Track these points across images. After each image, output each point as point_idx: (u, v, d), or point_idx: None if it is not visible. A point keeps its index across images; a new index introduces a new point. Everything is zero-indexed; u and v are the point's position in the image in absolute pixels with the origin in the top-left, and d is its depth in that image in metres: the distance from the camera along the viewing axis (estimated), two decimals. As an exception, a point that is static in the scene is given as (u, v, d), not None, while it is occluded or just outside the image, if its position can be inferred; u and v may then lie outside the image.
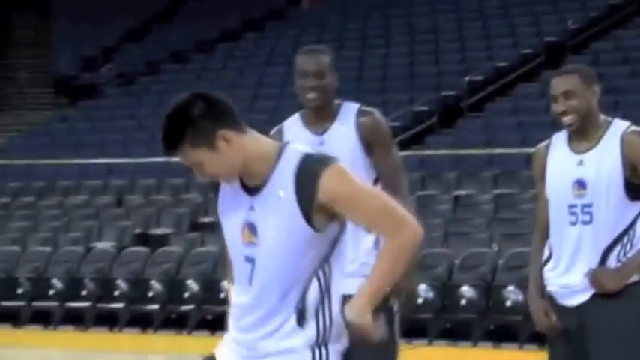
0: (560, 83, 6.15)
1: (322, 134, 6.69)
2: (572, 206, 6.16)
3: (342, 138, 6.64)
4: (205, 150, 4.51)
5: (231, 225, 4.73)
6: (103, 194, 22.48)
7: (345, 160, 5.84)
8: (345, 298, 5.07)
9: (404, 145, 19.13)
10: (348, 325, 4.57)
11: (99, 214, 21.78)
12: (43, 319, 18.69)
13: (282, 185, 4.53)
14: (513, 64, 24.24)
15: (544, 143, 6.38)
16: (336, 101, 6.75)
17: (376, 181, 6.65)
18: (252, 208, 4.62)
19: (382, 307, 5.92)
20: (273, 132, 6.71)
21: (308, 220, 4.51)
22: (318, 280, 4.64)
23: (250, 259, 4.63)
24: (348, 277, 5.60)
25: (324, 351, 4.67)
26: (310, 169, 4.51)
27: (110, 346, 16.72)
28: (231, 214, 4.72)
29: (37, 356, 16.20)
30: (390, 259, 4.61)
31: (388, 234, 4.59)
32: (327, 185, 4.48)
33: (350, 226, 5.13)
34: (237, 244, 4.70)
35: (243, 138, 4.57)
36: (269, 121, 24.42)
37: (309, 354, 4.64)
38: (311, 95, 6.56)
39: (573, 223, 6.16)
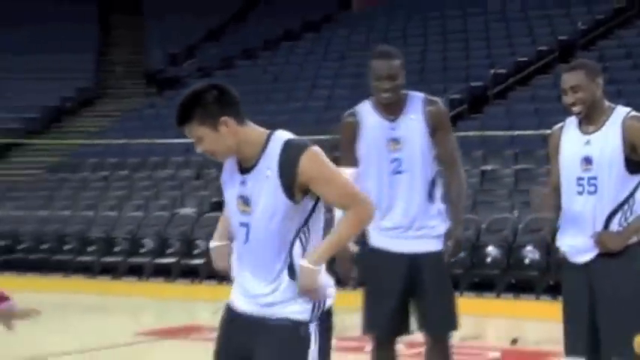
0: (568, 79, 6.22)
1: (394, 120, 6.59)
2: (580, 179, 6.23)
3: (412, 124, 6.59)
4: (208, 129, 4.70)
5: (230, 198, 4.94)
6: (185, 168, 22.46)
7: (415, 143, 6.57)
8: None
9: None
10: (300, 269, 4.73)
11: (182, 185, 21.78)
12: (136, 272, 18.69)
13: (269, 166, 4.73)
14: (531, 59, 24.13)
15: (558, 125, 6.45)
16: (402, 92, 6.58)
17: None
18: (244, 184, 4.82)
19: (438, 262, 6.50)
20: (347, 114, 6.79)
21: (290, 194, 4.71)
22: (300, 240, 4.80)
23: (245, 224, 4.83)
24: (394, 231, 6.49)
25: (320, 301, 4.83)
26: (291, 154, 4.72)
27: (192, 295, 16.73)
28: (230, 189, 4.93)
29: (131, 304, 16.18)
30: (348, 227, 4.81)
31: (351, 209, 4.76)
32: (305, 167, 4.68)
33: (403, 194, 6.42)
34: (235, 213, 4.90)
35: (241, 126, 4.76)
36: (325, 108, 24.46)
37: (308, 302, 4.80)
38: (385, 95, 6.53)
39: (580, 193, 6.22)
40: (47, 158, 27.20)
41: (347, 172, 5.17)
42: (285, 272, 4.77)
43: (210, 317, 5.25)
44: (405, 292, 6.61)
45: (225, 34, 32.33)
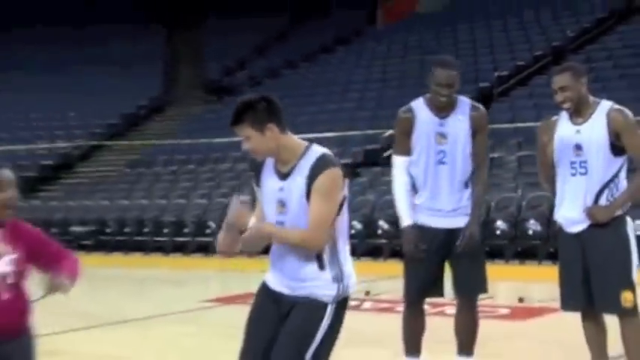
0: (557, 80, 6.24)
1: (443, 118, 6.60)
2: (572, 162, 6.24)
3: (459, 124, 6.62)
4: (256, 131, 4.76)
5: (268, 200, 4.94)
6: (241, 162, 22.47)
7: (459, 139, 6.63)
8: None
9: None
10: (250, 228, 4.84)
11: (239, 177, 21.81)
12: (203, 250, 18.83)
13: (301, 174, 4.78)
14: (529, 63, 24.15)
15: (554, 118, 6.43)
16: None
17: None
18: (282, 190, 4.84)
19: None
20: (403, 109, 6.76)
21: (308, 198, 4.79)
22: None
23: (281, 222, 4.85)
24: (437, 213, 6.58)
25: (343, 284, 4.85)
26: (318, 167, 4.75)
27: (247, 268, 16.67)
28: (269, 192, 4.93)
29: (198, 276, 16.27)
30: (295, 237, 4.78)
31: (308, 232, 4.73)
32: (319, 180, 4.72)
33: (445, 181, 6.56)
34: (272, 212, 4.90)
35: (282, 134, 4.81)
36: (356, 108, 24.46)
37: (334, 285, 4.83)
38: (442, 99, 6.53)
39: (573, 175, 6.24)
40: (126, 157, 27.35)
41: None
42: (315, 263, 4.81)
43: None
44: (442, 260, 6.69)
45: (271, 49, 32.39)
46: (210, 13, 34.99)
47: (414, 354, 6.80)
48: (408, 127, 6.64)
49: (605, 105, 6.23)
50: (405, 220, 6.59)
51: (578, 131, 6.20)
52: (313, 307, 4.81)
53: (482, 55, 25.97)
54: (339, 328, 4.88)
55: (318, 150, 4.81)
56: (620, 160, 6.19)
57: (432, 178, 6.61)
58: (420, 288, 6.70)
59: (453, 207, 6.64)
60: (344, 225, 4.90)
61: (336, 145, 21.51)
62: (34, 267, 4.73)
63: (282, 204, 4.82)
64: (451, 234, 6.63)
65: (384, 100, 24.51)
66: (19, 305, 4.67)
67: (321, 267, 4.80)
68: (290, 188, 4.79)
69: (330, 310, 4.81)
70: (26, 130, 29.10)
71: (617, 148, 6.14)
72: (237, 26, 32.89)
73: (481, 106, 6.89)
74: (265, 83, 28.42)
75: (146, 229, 20.27)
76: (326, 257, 4.81)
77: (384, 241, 17.01)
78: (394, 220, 16.60)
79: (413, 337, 6.79)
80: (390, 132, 21.87)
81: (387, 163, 20.44)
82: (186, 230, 19.62)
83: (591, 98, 6.26)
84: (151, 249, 19.81)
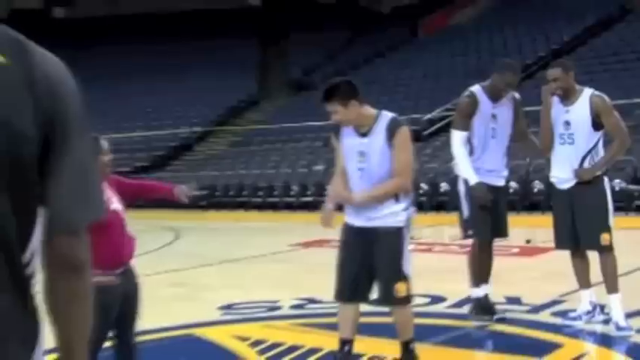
0: (550, 73, 6.23)
1: (495, 102, 6.46)
2: (562, 134, 6.21)
3: (506, 108, 6.54)
4: (342, 105, 4.84)
5: (349, 152, 4.98)
6: (316, 140, 22.53)
7: (507, 120, 6.54)
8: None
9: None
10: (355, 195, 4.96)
11: (314, 152, 21.88)
12: (289, 207, 18.83)
13: (380, 131, 4.89)
14: (534, 61, 23.85)
15: (555, 99, 6.29)
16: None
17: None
18: (362, 145, 4.93)
19: (505, 192, 6.83)
20: (467, 93, 6.54)
21: (390, 147, 4.86)
22: None
23: (361, 169, 4.93)
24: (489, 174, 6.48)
25: (408, 211, 4.98)
26: (394, 125, 4.87)
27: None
28: (351, 147, 4.98)
29: (285, 227, 16.39)
30: (394, 188, 4.90)
31: (397, 178, 4.88)
32: (398, 136, 4.83)
33: (493, 151, 6.49)
34: (353, 161, 4.97)
35: (361, 106, 4.90)
36: (403, 99, 24.36)
37: (404, 213, 4.94)
38: (504, 94, 6.47)
39: (562, 144, 6.26)
40: (230, 138, 27.61)
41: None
42: (392, 200, 4.92)
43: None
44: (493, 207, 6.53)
45: (338, 56, 32.33)
46: (292, 28, 35.02)
47: (482, 283, 6.63)
48: (471, 108, 6.46)
49: (588, 91, 6.21)
50: (474, 179, 6.40)
51: (567, 111, 6.18)
52: (394, 233, 4.91)
53: (498, 56, 25.61)
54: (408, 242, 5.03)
55: (387, 114, 4.95)
56: (599, 134, 6.18)
57: (486, 148, 6.49)
58: (490, 230, 6.59)
59: (497, 170, 6.58)
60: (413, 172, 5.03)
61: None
62: (135, 199, 4.69)
63: (362, 155, 4.91)
64: (496, 190, 6.55)
65: (424, 92, 24.41)
66: (132, 238, 4.59)
67: (397, 200, 4.93)
68: (370, 144, 4.89)
69: (404, 233, 4.95)
70: (157, 120, 29.46)
71: (597, 124, 6.12)
72: (313, 39, 32.91)
73: (517, 95, 6.72)
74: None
75: (245, 192, 20.47)
76: (401, 194, 4.93)
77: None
78: (432, 182, 16.64)
79: (484, 270, 6.62)
80: (427, 116, 21.83)
81: (426, 140, 20.52)
82: (275, 193, 19.76)
83: (577, 86, 6.24)
84: (250, 207, 20.01)
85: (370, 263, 4.95)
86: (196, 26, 35.12)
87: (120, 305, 4.42)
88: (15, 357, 1.48)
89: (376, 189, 4.91)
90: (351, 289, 5.06)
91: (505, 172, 6.69)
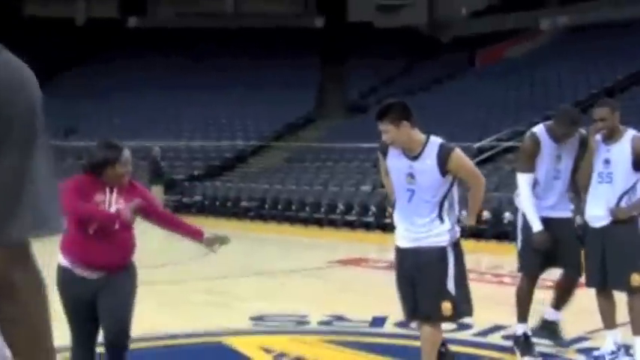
0: (597, 112, 6.09)
1: (559, 143, 6.12)
2: (601, 173, 6.09)
3: (570, 147, 6.20)
4: (393, 126, 4.89)
5: (398, 174, 5.03)
6: (366, 162, 22.41)
7: (572, 159, 6.22)
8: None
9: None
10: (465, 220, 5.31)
11: (364, 172, 21.74)
12: (333, 224, 18.74)
13: (429, 157, 4.91)
14: (588, 98, 23.38)
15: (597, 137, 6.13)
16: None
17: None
18: (412, 167, 4.96)
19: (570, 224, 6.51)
20: (529, 134, 6.33)
21: (443, 174, 4.91)
22: (447, 200, 5.01)
23: (411, 190, 4.98)
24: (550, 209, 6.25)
25: (452, 231, 5.02)
26: (444, 152, 4.92)
27: (363, 239, 16.72)
28: (398, 168, 5.03)
29: (326, 244, 16.31)
30: (480, 191, 5.26)
31: (475, 184, 5.15)
32: (452, 161, 4.92)
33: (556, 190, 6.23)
34: (402, 183, 5.01)
35: (412, 129, 4.95)
36: (455, 126, 24.15)
37: (448, 235, 4.99)
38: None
39: (600, 182, 6.11)
40: (284, 154, 27.63)
41: None
42: (437, 220, 4.96)
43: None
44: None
45: (395, 81, 32.19)
46: (352, 52, 35.09)
47: (524, 321, 6.48)
48: (534, 149, 6.19)
49: (631, 133, 6.07)
50: (537, 226, 6.16)
51: (608, 150, 6.05)
52: (438, 252, 4.97)
53: (550, 91, 25.36)
54: (463, 260, 5.12)
55: (436, 139, 5.00)
56: (638, 175, 6.02)
57: (550, 188, 6.24)
58: (539, 266, 6.41)
59: (560, 205, 6.31)
60: (455, 192, 5.06)
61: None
62: (142, 215, 4.79)
63: (411, 177, 4.95)
64: (559, 223, 6.26)
65: (476, 121, 24.21)
66: (132, 243, 4.72)
67: (442, 221, 4.97)
68: (420, 167, 4.93)
69: (449, 251, 4.98)
70: (215, 131, 29.67)
71: (636, 165, 5.99)
72: (372, 63, 32.91)
73: (583, 131, 6.34)
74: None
75: (293, 207, 20.42)
76: (445, 214, 4.97)
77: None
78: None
79: (523, 307, 6.46)
80: (477, 145, 21.60)
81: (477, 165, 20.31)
82: (322, 209, 19.68)
83: (621, 127, 6.10)
84: (296, 221, 19.93)
85: (416, 282, 5.05)
86: (261, 43, 35.38)
87: (93, 304, 4.55)
88: None
89: (473, 204, 5.30)
90: (409, 309, 5.17)
91: (569, 206, 6.45)
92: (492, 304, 8.82)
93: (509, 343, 6.75)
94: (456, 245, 5.06)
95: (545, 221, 6.25)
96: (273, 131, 29.50)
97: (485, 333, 7.21)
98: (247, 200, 21.72)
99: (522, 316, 6.48)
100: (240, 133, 29.40)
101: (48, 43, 34.51)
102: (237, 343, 6.76)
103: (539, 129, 6.31)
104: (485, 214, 15.90)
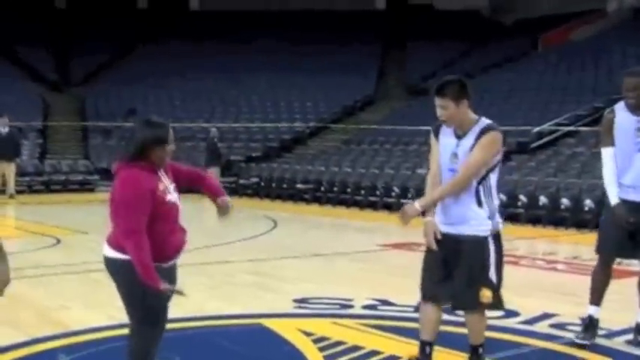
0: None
1: (638, 115, 5.87)
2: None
3: None
4: (453, 103, 4.77)
5: (445, 152, 4.90)
6: (424, 145, 22.09)
7: None
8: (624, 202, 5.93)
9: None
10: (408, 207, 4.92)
11: (420, 155, 21.39)
12: (387, 207, 18.53)
13: (474, 135, 4.80)
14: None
15: (608, 111, 6.16)
16: None
17: None
18: (457, 146, 4.84)
19: None
20: (608, 111, 6.15)
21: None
22: (484, 184, 4.85)
23: (452, 170, 4.84)
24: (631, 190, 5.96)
25: (494, 221, 4.87)
26: (486, 129, 4.80)
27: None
28: (446, 147, 4.90)
29: (373, 227, 16.14)
30: (450, 187, 4.83)
31: (460, 174, 4.79)
32: (483, 137, 4.77)
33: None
34: (446, 162, 4.89)
35: (469, 109, 4.84)
36: (515, 109, 23.68)
37: (488, 221, 4.84)
38: (630, 101, 5.87)
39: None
40: (342, 136, 27.49)
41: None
42: (475, 204, 4.81)
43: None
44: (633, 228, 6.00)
45: (455, 65, 31.68)
46: (413, 34, 34.72)
47: (592, 303, 6.27)
48: (611, 125, 6.03)
49: None
50: (614, 199, 5.96)
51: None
52: (478, 243, 4.81)
53: (614, 75, 24.63)
54: (502, 252, 4.92)
55: (486, 120, 4.86)
56: None
57: (630, 163, 5.97)
58: (616, 249, 6.16)
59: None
60: (495, 181, 4.89)
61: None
62: (187, 187, 4.50)
63: (455, 156, 4.81)
64: (638, 206, 5.97)
65: (536, 105, 23.72)
66: (183, 230, 4.41)
67: (480, 205, 4.82)
68: (464, 145, 4.80)
69: (490, 242, 4.83)
70: (274, 113, 29.69)
71: None
72: (433, 45, 32.57)
73: None
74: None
75: (349, 189, 20.28)
76: (484, 200, 4.82)
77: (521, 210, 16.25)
78: (531, 195, 16.04)
79: (595, 289, 6.23)
80: (537, 129, 21.12)
81: (532, 153, 19.88)
82: (377, 192, 19.49)
83: None
84: (350, 204, 19.80)
85: (452, 269, 4.90)
86: (322, 26, 35.21)
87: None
88: None
89: (436, 194, 4.86)
90: (432, 289, 5.04)
91: None
92: (541, 293, 8.60)
93: (557, 332, 6.55)
94: (496, 237, 4.89)
95: (628, 203, 5.95)
96: (332, 113, 29.41)
97: (532, 321, 7.00)
98: (303, 182, 21.63)
99: (592, 298, 6.25)
100: (299, 115, 29.37)
101: (110, 26, 34.88)
102: (277, 326, 6.67)
103: (619, 104, 6.07)
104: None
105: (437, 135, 4.98)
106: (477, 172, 4.78)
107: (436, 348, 5.26)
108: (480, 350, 5.05)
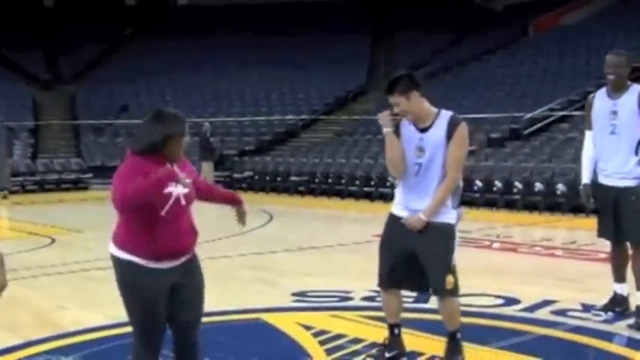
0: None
1: (616, 99, 6.09)
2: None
3: (627, 103, 6.04)
4: (403, 98, 4.77)
5: (408, 145, 4.86)
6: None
7: (626, 114, 6.07)
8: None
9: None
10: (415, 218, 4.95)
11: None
12: (386, 198, 18.48)
13: (440, 127, 4.81)
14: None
15: (591, 96, 6.41)
16: (628, 82, 6.13)
17: None
18: (422, 140, 4.83)
19: (632, 194, 6.16)
20: (591, 96, 6.39)
21: (448, 141, 4.79)
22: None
23: (418, 164, 4.84)
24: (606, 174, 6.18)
25: (459, 211, 4.96)
26: (455, 123, 4.80)
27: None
28: (409, 140, 4.87)
29: (365, 218, 16.02)
30: (447, 190, 4.86)
31: (449, 175, 4.83)
32: (457, 132, 4.79)
33: (614, 149, 6.08)
34: (412, 156, 4.86)
35: (422, 100, 4.83)
36: (506, 96, 23.65)
37: (454, 212, 4.92)
38: (609, 77, 6.08)
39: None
40: (335, 127, 27.44)
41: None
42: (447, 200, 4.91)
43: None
44: (614, 211, 6.22)
45: (445, 52, 31.61)
46: (403, 23, 34.61)
47: (621, 281, 6.52)
48: (588, 106, 6.34)
49: (636, 87, 6.08)
50: (583, 180, 6.32)
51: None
52: (446, 229, 4.87)
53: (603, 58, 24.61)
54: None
55: (447, 112, 4.84)
56: None
57: (607, 146, 6.15)
58: (610, 231, 6.33)
59: (622, 170, 6.13)
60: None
61: (489, 124, 20.90)
62: (201, 199, 4.34)
63: (420, 149, 4.81)
64: (618, 192, 6.15)
65: (528, 91, 23.69)
66: (193, 225, 4.18)
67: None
68: (429, 139, 4.79)
69: (455, 230, 4.92)
70: (266, 106, 29.61)
71: None
72: (423, 34, 32.45)
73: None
74: (441, 77, 27.86)
75: (343, 181, 20.24)
76: (450, 194, 4.87)
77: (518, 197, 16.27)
78: (526, 181, 16.02)
79: (614, 268, 6.51)
80: (529, 115, 21.09)
81: (526, 139, 19.83)
82: (372, 182, 19.45)
83: (629, 82, 6.12)
84: (346, 195, 19.76)
85: (414, 255, 4.95)
86: (311, 17, 35.10)
87: (169, 298, 4.08)
88: None
89: (433, 203, 4.86)
90: (389, 277, 5.14)
91: (634, 172, 6.11)
92: (541, 278, 8.57)
93: (558, 319, 6.51)
94: (457, 225, 4.99)
95: (606, 189, 6.22)
96: (324, 105, 29.33)
97: (533, 308, 6.95)
98: (297, 175, 21.57)
99: (615, 277, 6.53)
100: (291, 108, 29.28)
101: (99, 23, 34.71)
102: (276, 320, 6.62)
103: (600, 89, 6.30)
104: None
105: (398, 128, 4.92)
106: (461, 167, 4.89)
107: (417, 334, 5.39)
108: (458, 335, 5.10)
